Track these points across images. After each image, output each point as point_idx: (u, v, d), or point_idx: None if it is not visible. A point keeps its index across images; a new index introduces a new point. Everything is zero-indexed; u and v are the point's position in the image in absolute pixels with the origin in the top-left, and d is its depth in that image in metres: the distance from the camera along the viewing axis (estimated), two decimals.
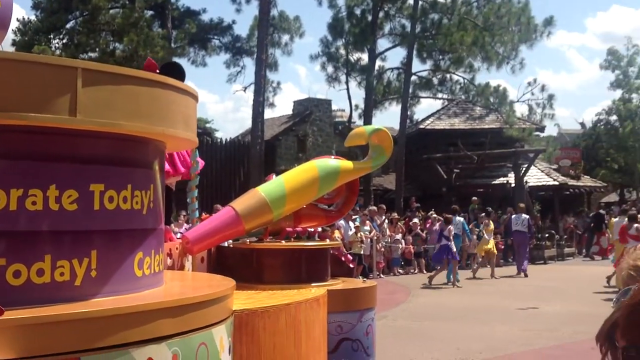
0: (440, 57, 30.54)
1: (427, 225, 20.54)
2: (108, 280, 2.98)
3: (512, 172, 26.81)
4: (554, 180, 28.74)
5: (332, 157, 6.09)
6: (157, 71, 4.00)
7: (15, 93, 2.56)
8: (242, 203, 5.14)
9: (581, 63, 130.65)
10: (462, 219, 19.14)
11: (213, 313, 3.22)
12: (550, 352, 8.68)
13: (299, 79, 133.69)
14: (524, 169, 26.26)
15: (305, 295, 4.84)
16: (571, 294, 13.95)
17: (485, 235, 18.56)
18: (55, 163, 2.81)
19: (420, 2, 28.30)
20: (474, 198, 24.44)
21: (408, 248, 19.24)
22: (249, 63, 30.83)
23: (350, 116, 32.29)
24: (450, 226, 17.18)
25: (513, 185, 26.20)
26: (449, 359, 8.28)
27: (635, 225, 14.29)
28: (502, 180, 27.80)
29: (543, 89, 30.27)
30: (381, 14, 29.66)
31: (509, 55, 29.16)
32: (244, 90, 30.18)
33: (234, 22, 31.18)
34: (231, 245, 5.57)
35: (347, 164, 5.99)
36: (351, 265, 7.48)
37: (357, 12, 29.64)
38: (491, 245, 18.53)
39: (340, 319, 5.55)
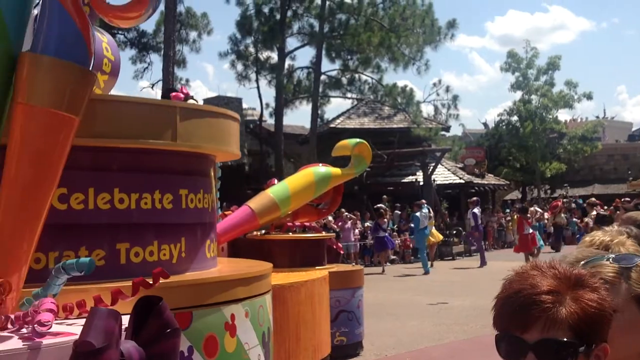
0: (349, 57, 30.59)
1: (339, 223, 20.51)
2: (192, 260, 4.02)
3: (420, 171, 27.26)
4: (460, 178, 29.49)
5: (320, 164, 7.36)
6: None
7: (139, 126, 3.60)
8: (256, 203, 6.30)
9: (482, 65, 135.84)
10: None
11: (265, 284, 4.32)
12: (459, 346, 8.75)
13: (208, 76, 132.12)
14: (431, 167, 26.77)
15: (315, 275, 6.15)
16: (479, 289, 14.23)
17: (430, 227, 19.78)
18: (159, 174, 3.83)
19: (327, 2, 28.29)
20: (384, 196, 24.70)
21: None
22: (155, 59, 29.86)
23: (261, 115, 31.96)
24: (385, 218, 19.78)
25: (421, 183, 26.66)
26: (364, 354, 8.19)
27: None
28: (411, 178, 28.25)
29: (447, 90, 30.90)
30: (289, 13, 29.47)
31: (414, 56, 29.49)
32: (152, 87, 29.22)
33: None
34: (246, 237, 6.64)
35: (336, 170, 7.25)
36: (341, 252, 9.23)
37: (265, 10, 29.35)
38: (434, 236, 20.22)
39: (338, 295, 6.97)
